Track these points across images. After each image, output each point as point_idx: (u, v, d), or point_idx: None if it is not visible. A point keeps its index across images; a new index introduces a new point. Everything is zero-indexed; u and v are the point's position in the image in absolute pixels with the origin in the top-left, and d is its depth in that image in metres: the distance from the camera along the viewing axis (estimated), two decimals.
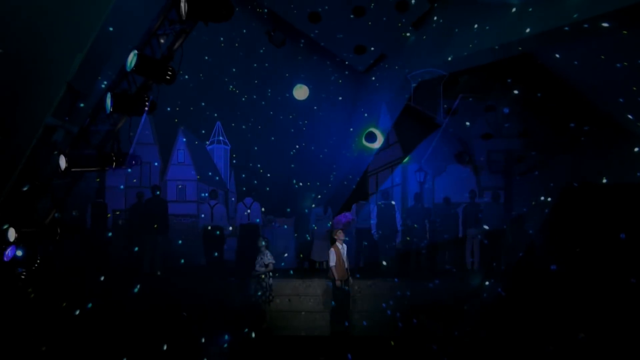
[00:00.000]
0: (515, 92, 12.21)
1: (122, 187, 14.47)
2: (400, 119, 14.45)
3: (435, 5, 12.84)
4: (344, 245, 9.62)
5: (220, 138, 17.69)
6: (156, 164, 16.02)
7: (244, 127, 16.11)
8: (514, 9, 10.23)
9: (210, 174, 16.65)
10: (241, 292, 9.74)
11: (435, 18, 12.72)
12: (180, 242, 12.22)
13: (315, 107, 15.68)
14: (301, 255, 13.06)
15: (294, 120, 15.79)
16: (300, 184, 15.39)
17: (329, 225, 12.10)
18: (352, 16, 13.26)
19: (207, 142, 17.44)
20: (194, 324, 8.41)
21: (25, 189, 8.44)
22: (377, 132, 14.35)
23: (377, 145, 14.51)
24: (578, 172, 11.80)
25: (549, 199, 11.30)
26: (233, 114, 16.00)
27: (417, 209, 12.40)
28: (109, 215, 12.62)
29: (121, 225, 13.15)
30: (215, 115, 16.22)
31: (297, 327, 9.35)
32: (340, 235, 9.61)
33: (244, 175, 15.12)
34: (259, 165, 15.64)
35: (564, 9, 9.09)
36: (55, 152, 8.96)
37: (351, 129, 16.38)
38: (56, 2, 8.71)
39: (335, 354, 8.22)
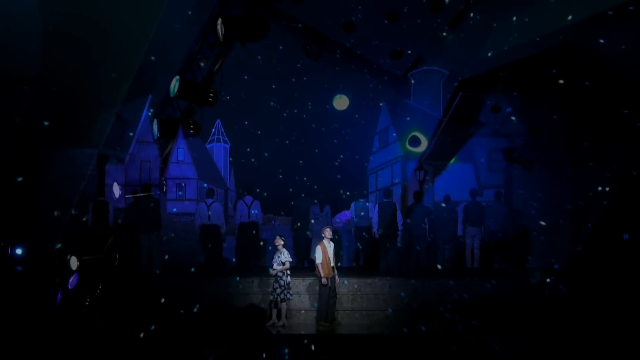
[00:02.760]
0: (561, 81, 11.86)
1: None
2: (400, 118, 14.34)
3: (471, 1, 12.65)
4: (331, 243, 9.58)
5: (220, 137, 17.71)
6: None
7: (287, 142, 16.28)
8: None
9: (210, 172, 16.51)
10: (242, 290, 9.77)
11: (471, 15, 12.54)
12: (179, 240, 12.19)
13: (356, 116, 15.70)
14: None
15: (337, 130, 15.86)
16: (348, 193, 15.36)
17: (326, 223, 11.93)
18: (386, 22, 13.22)
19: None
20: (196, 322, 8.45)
21: (84, 219, 8.78)
22: (420, 135, 14.21)
23: (421, 148, 14.35)
24: (635, 160, 11.30)
25: (607, 189, 10.87)
26: (275, 129, 16.20)
27: (416, 208, 12.15)
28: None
29: (120, 224, 13.21)
30: (259, 132, 16.43)
31: (297, 326, 9.28)
32: (327, 233, 9.59)
33: (291, 190, 15.21)
34: (305, 178, 15.72)
35: None
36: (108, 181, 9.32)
37: (394, 134, 16.31)
38: (101, 37, 9.08)
39: (335, 354, 8.11)
